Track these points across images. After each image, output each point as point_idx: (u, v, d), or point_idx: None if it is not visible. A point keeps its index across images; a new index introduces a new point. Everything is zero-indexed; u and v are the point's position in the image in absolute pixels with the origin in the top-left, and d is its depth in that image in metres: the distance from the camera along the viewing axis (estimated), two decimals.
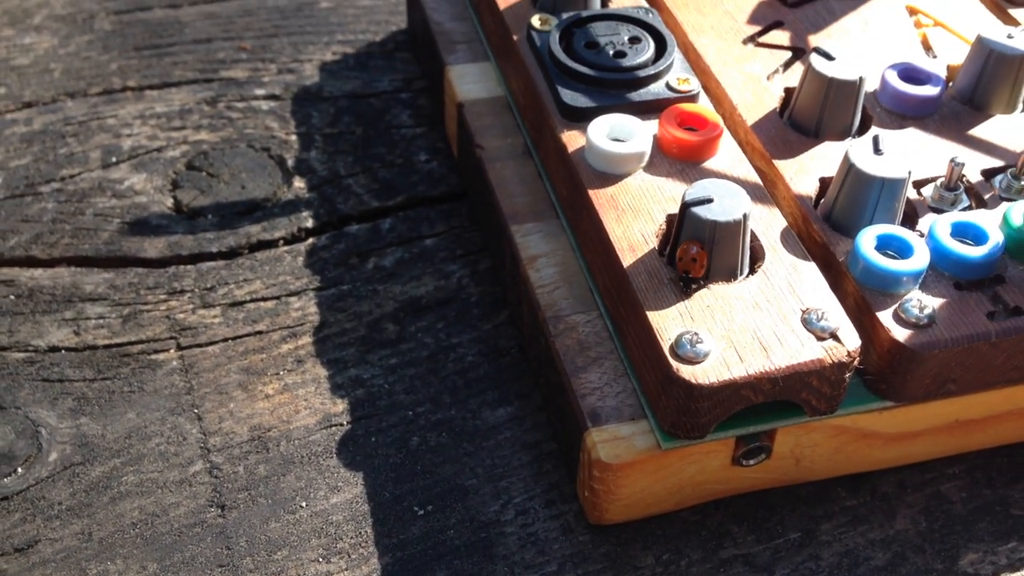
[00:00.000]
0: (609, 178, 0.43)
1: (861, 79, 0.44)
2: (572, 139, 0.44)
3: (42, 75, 0.61)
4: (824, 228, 0.41)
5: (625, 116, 0.44)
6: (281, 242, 0.52)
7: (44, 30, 0.64)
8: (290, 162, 0.56)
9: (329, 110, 0.59)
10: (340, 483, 0.42)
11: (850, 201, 0.41)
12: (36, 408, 0.44)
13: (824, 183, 0.43)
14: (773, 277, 0.39)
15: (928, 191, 0.43)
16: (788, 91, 0.47)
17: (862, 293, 0.39)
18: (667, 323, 0.37)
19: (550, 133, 0.46)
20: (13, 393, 0.45)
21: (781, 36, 0.50)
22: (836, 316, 0.38)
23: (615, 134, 0.43)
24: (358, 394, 0.45)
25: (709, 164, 0.43)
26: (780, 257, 0.40)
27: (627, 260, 0.40)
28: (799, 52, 0.49)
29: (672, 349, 0.37)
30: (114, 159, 0.56)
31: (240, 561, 0.40)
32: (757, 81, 0.48)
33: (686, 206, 0.39)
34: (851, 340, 0.37)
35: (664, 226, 0.41)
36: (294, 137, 0.57)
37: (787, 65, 0.49)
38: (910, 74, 0.46)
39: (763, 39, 0.50)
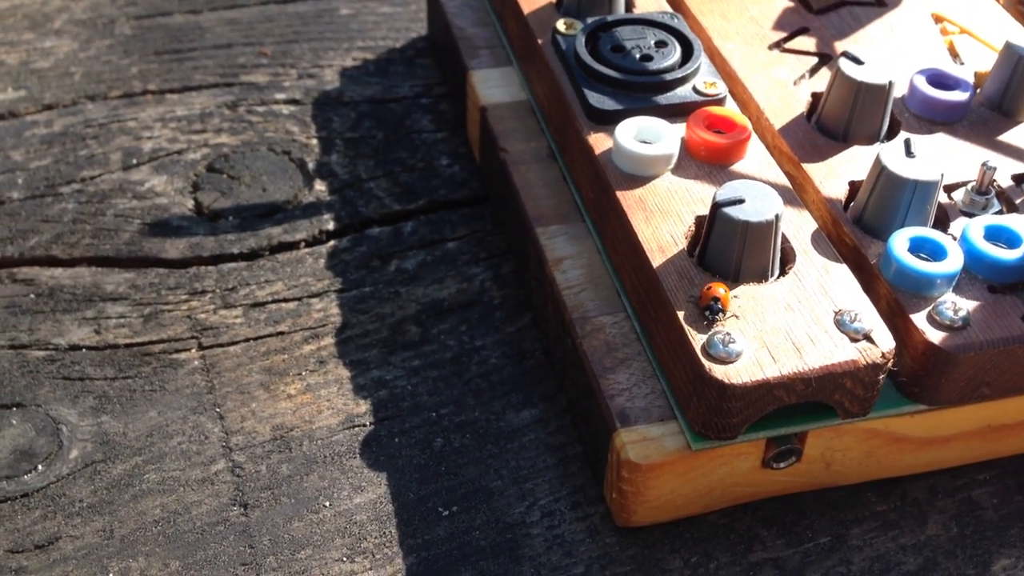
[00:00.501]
0: (637, 180, 0.42)
1: (890, 83, 0.44)
2: (598, 141, 0.44)
3: (62, 78, 0.61)
4: (855, 231, 0.41)
5: (653, 119, 0.44)
6: (302, 244, 0.52)
7: (64, 34, 0.64)
8: (311, 165, 0.55)
9: (350, 115, 0.59)
10: (364, 483, 0.42)
11: (882, 204, 0.40)
12: (56, 406, 0.44)
13: (854, 187, 0.43)
14: (805, 279, 0.39)
15: (959, 195, 0.42)
16: (815, 96, 0.47)
17: (895, 295, 0.38)
18: (698, 323, 0.37)
19: (576, 136, 0.45)
20: (33, 390, 0.44)
21: (807, 42, 0.50)
22: (870, 317, 0.37)
23: (643, 136, 0.43)
24: (381, 395, 0.45)
25: (737, 167, 0.43)
26: (811, 259, 0.39)
27: (657, 261, 0.39)
28: (825, 58, 0.49)
29: (704, 349, 0.36)
30: (135, 161, 0.55)
31: (263, 560, 0.39)
32: (784, 86, 0.48)
33: (717, 206, 0.38)
34: (885, 342, 0.37)
35: (693, 227, 0.41)
36: (315, 141, 0.57)
37: (813, 70, 0.49)
38: (939, 80, 0.46)
39: (789, 45, 0.50)
